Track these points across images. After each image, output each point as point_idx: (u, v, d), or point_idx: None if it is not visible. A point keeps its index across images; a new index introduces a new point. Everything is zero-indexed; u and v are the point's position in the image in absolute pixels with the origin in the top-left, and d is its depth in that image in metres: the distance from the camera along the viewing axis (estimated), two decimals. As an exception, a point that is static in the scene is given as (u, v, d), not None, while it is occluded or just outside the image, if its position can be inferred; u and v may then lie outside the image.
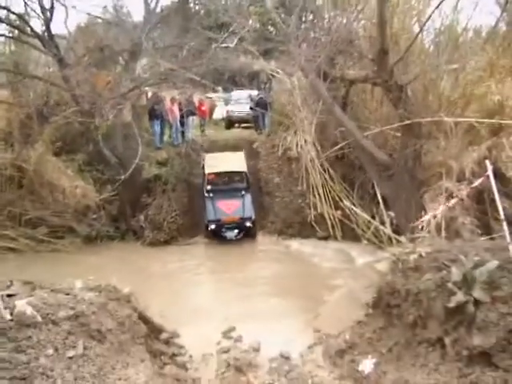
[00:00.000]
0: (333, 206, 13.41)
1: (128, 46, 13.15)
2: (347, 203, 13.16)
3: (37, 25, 12.49)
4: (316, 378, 6.64)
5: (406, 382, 4.64)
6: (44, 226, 12.43)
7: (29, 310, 3.73)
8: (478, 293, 4.43)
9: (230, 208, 13.35)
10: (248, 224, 13.19)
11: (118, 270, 10.50)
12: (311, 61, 9.45)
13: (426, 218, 7.93)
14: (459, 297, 4.52)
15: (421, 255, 6.46)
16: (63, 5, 11.63)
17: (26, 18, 11.76)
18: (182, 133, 16.22)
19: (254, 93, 20.92)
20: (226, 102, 23.28)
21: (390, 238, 11.52)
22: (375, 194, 12.63)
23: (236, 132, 19.24)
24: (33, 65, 12.88)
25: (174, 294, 10.00)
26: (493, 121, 7.84)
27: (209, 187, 13.71)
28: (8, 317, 3.69)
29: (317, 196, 13.72)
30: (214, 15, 23.78)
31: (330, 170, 13.72)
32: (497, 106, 8.02)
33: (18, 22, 11.81)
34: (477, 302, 4.46)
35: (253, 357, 7.37)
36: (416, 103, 8.54)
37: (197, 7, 20.78)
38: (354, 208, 11.82)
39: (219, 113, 22.53)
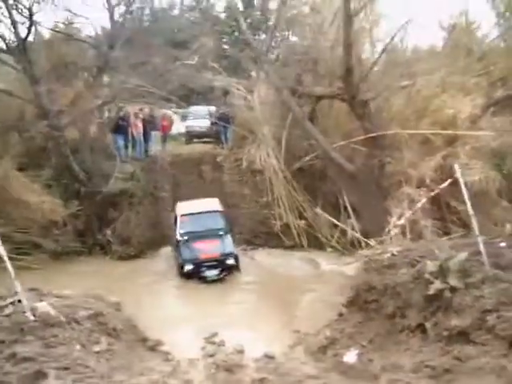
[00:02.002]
0: (297, 216, 14.03)
1: (94, 61, 13.23)
2: (310, 213, 13.84)
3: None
4: (301, 372, 7.02)
5: (393, 365, 5.14)
6: (9, 242, 12.10)
7: (52, 311, 3.91)
8: (453, 280, 5.05)
9: (208, 246, 11.82)
10: (230, 261, 11.58)
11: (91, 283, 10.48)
12: (283, 78, 10.05)
13: (391, 222, 8.64)
14: (437, 285, 5.11)
15: (393, 254, 7.11)
16: (31, 21, 11.58)
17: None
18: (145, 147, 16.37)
19: (213, 108, 21.40)
20: (184, 117, 23.57)
21: (353, 244, 12.26)
22: (337, 203, 13.40)
23: (197, 146, 19.51)
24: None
25: (150, 303, 10.12)
26: (449, 132, 8.72)
27: (182, 230, 12.21)
28: (32, 317, 3.86)
29: (281, 206, 14.27)
30: (171, 33, 24.21)
31: (294, 181, 14.35)
32: (450, 119, 8.93)
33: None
34: (452, 289, 5.07)
35: (239, 358, 7.65)
36: (379, 117, 9.31)
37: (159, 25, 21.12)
38: (321, 215, 12.43)
39: (174, 128, 22.77)
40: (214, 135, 18.68)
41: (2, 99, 12.25)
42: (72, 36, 14.17)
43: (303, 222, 13.90)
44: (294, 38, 19.13)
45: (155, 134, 17.25)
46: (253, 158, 15.39)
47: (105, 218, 13.85)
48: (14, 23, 11.38)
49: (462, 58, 10.57)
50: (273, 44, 13.81)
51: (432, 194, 8.05)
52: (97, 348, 3.79)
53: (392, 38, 9.09)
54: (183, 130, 21.66)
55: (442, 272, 5.20)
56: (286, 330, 8.77)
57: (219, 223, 12.48)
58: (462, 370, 4.25)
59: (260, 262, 13.37)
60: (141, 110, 15.83)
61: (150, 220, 14.28)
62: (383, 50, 9.49)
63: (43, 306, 3.90)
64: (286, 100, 10.21)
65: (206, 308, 9.97)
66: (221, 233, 12.17)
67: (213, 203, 13.31)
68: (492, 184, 9.12)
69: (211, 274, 11.37)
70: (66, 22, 15.07)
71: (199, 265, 11.38)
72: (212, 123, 18.57)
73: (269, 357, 7.67)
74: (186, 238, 11.94)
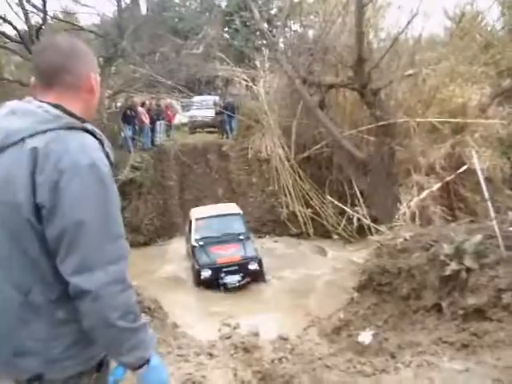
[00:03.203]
0: (304, 204, 14.26)
1: (102, 51, 13.34)
2: (317, 201, 14.07)
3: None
4: (316, 353, 7.26)
5: (410, 342, 5.36)
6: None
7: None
8: (468, 261, 5.26)
9: (227, 250, 10.74)
10: (253, 266, 10.38)
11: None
12: (294, 67, 10.22)
13: (401, 208, 8.85)
14: (453, 266, 5.32)
15: (405, 239, 7.32)
16: (45, 10, 11.67)
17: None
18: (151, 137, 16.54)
19: (217, 98, 21.55)
20: (185, 107, 23.69)
21: (359, 231, 12.50)
22: (343, 192, 13.63)
23: (201, 136, 19.71)
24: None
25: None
26: (459, 120, 8.93)
27: (198, 236, 11.11)
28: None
29: (288, 195, 14.50)
30: (173, 22, 24.25)
31: (300, 170, 14.56)
32: (459, 107, 9.12)
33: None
34: (468, 270, 5.29)
35: (255, 340, 7.89)
36: (388, 106, 9.50)
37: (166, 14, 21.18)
38: (328, 202, 12.66)
39: (176, 118, 22.92)
40: (217, 125, 18.88)
41: (15, 88, 12.35)
42: (79, 26, 14.21)
43: (309, 210, 14.13)
44: (295, 27, 19.30)
45: (160, 124, 17.40)
46: (259, 147, 15.58)
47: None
48: (25, 13, 11.48)
49: (469, 47, 10.76)
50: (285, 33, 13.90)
51: (444, 180, 8.27)
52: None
53: (404, 28, 9.25)
54: (185, 120, 21.86)
55: (458, 254, 5.40)
56: (298, 314, 9.03)
57: (239, 227, 11.43)
58: (480, 343, 4.46)
59: (269, 249, 13.63)
60: (151, 99, 15.97)
61: (158, 209, 14.50)
62: (394, 39, 9.64)
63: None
64: (298, 89, 10.37)
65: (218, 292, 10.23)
66: (241, 237, 11.05)
67: (231, 207, 12.57)
68: (499, 172, 9.35)
69: (232, 280, 10.22)
70: (72, 12, 15.18)
71: (218, 270, 10.22)
72: (216, 113, 18.73)
73: (283, 339, 7.93)
74: (201, 243, 10.84)
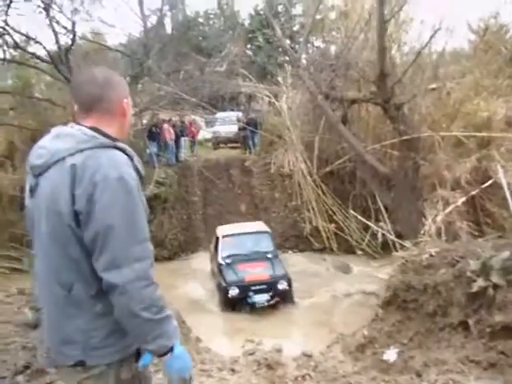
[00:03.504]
0: (327, 219, 14.19)
1: (129, 70, 13.71)
2: (340, 216, 13.99)
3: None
4: (340, 370, 7.16)
5: (436, 360, 5.25)
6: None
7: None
8: (496, 278, 5.14)
9: (256, 268, 10.25)
10: (282, 286, 9.89)
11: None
12: (317, 83, 10.32)
13: (426, 223, 8.73)
14: (480, 282, 5.22)
15: (431, 255, 7.21)
16: (74, 31, 12.14)
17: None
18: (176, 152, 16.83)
19: (240, 114, 21.79)
20: (208, 123, 24.03)
21: (384, 247, 12.34)
22: (367, 207, 13.53)
23: (225, 152, 19.91)
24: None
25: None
26: (484, 134, 8.80)
27: (225, 253, 10.67)
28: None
29: (311, 210, 14.46)
30: (197, 41, 24.79)
31: (323, 185, 14.53)
32: (484, 121, 9.01)
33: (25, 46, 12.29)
34: (495, 286, 5.17)
35: (278, 356, 7.84)
36: (411, 120, 9.45)
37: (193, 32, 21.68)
38: (352, 217, 12.57)
39: (200, 134, 23.26)
40: (240, 140, 19.06)
41: (46, 107, 12.81)
42: (107, 46, 14.67)
43: (333, 225, 14.05)
44: (318, 43, 19.46)
45: (185, 140, 17.70)
46: (281, 162, 15.65)
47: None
48: (55, 33, 11.95)
49: (494, 60, 10.66)
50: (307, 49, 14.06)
51: (470, 194, 8.13)
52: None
53: (428, 43, 9.24)
54: (208, 136, 22.18)
55: (485, 270, 5.30)
56: (322, 330, 8.95)
57: (268, 245, 11.00)
58: (508, 362, 4.35)
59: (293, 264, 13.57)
60: (176, 116, 16.29)
61: (182, 223, 14.67)
62: (418, 54, 9.62)
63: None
64: (320, 104, 10.44)
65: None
66: (270, 256, 10.60)
67: (259, 225, 12.26)
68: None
69: (261, 299, 9.72)
70: (100, 32, 15.69)
71: (246, 289, 9.74)
72: (239, 129, 18.93)
73: (307, 355, 7.86)
74: (228, 261, 10.42)
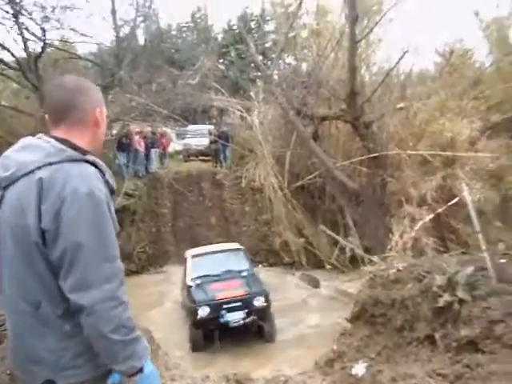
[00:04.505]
0: (297, 234, 14.29)
1: (99, 79, 13.55)
2: (309, 231, 14.11)
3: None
4: (311, 386, 7.16)
5: (404, 375, 5.33)
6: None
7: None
8: (461, 293, 5.29)
9: (229, 286, 9.26)
10: (259, 303, 8.92)
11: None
12: (289, 100, 10.47)
13: (393, 239, 8.93)
14: (446, 297, 5.35)
15: (399, 269, 7.37)
16: (44, 39, 11.89)
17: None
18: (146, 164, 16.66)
19: (211, 127, 21.83)
20: (179, 135, 23.94)
21: (352, 261, 12.51)
22: (336, 222, 13.71)
23: (195, 164, 19.86)
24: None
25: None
26: (450, 154, 9.13)
27: (194, 274, 9.68)
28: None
29: (281, 224, 14.54)
30: (169, 53, 24.76)
31: (293, 199, 14.65)
32: (449, 141, 9.35)
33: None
34: (460, 301, 5.32)
35: (247, 373, 7.79)
36: (380, 138, 9.71)
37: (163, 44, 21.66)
38: (321, 232, 12.71)
39: (171, 146, 23.12)
40: (212, 153, 19.06)
41: (11, 115, 12.45)
42: (78, 55, 14.47)
43: (302, 239, 14.16)
44: (289, 60, 19.77)
45: (155, 152, 17.56)
46: (252, 176, 15.72)
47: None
48: (25, 41, 11.69)
49: (459, 82, 11.11)
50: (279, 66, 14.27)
51: (436, 212, 8.39)
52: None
53: (396, 64, 9.56)
54: (179, 148, 22.11)
55: (451, 285, 5.44)
56: (291, 345, 8.94)
57: (242, 263, 10.11)
58: (473, 376, 4.46)
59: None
60: (147, 127, 16.16)
61: (150, 236, 14.47)
62: (387, 74, 9.94)
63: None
64: (292, 120, 10.59)
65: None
66: (244, 274, 9.72)
67: (232, 244, 11.44)
68: (489, 204, 9.50)
69: (234, 317, 8.72)
70: (71, 41, 15.44)
71: (218, 307, 8.70)
72: (211, 142, 18.93)
73: (276, 370, 7.85)
74: (198, 282, 9.41)
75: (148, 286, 12.42)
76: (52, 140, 1.67)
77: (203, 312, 8.66)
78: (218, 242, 12.42)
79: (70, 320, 1.62)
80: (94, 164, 1.67)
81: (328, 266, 13.53)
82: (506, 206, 10.59)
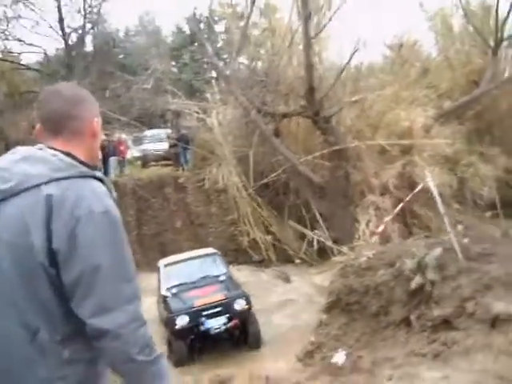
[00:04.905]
0: (264, 231, 14.37)
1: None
2: (276, 228, 14.26)
3: None
4: (293, 379, 7.27)
5: (384, 358, 5.52)
6: None
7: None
8: (431, 275, 5.54)
9: (207, 292, 8.87)
10: (239, 306, 8.55)
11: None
12: (249, 99, 10.53)
13: (360, 228, 9.19)
14: (417, 280, 5.59)
15: (369, 257, 7.60)
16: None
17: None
18: (104, 173, 16.32)
19: (169, 131, 21.56)
20: (136, 141, 23.50)
21: (320, 254, 12.75)
22: (302, 216, 13.90)
23: (156, 169, 19.53)
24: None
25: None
26: (407, 142, 9.48)
27: (168, 284, 9.21)
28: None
29: (248, 223, 14.57)
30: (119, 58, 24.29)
31: (258, 197, 14.71)
32: (406, 129, 9.70)
33: None
34: (431, 283, 5.57)
35: (230, 371, 7.82)
36: (339, 131, 9.95)
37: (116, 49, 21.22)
38: (289, 227, 12.86)
39: (128, 153, 22.65)
40: (172, 157, 18.83)
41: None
42: (24, 65, 13.98)
43: (270, 236, 14.26)
44: (243, 59, 19.87)
45: (114, 160, 17.20)
46: (215, 177, 15.66)
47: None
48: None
49: (410, 73, 11.54)
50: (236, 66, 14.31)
51: (404, 201, 8.67)
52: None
53: (351, 57, 9.81)
54: (137, 154, 21.70)
55: (421, 268, 5.68)
56: (270, 343, 9.00)
57: (218, 268, 9.75)
58: (451, 352, 4.68)
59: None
60: (105, 135, 15.78)
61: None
62: (343, 69, 10.19)
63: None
64: (254, 119, 10.67)
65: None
66: (222, 278, 9.32)
67: (206, 250, 11.03)
68: (447, 188, 9.92)
69: (216, 323, 8.33)
70: (17, 52, 14.93)
71: (197, 315, 8.30)
72: (170, 145, 18.70)
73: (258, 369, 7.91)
74: (174, 291, 8.94)
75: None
76: (58, 153, 1.55)
77: (182, 321, 8.24)
78: (186, 247, 12.29)
79: (69, 345, 1.50)
80: (101, 180, 1.58)
81: (297, 261, 13.70)
82: (462, 187, 11.09)
